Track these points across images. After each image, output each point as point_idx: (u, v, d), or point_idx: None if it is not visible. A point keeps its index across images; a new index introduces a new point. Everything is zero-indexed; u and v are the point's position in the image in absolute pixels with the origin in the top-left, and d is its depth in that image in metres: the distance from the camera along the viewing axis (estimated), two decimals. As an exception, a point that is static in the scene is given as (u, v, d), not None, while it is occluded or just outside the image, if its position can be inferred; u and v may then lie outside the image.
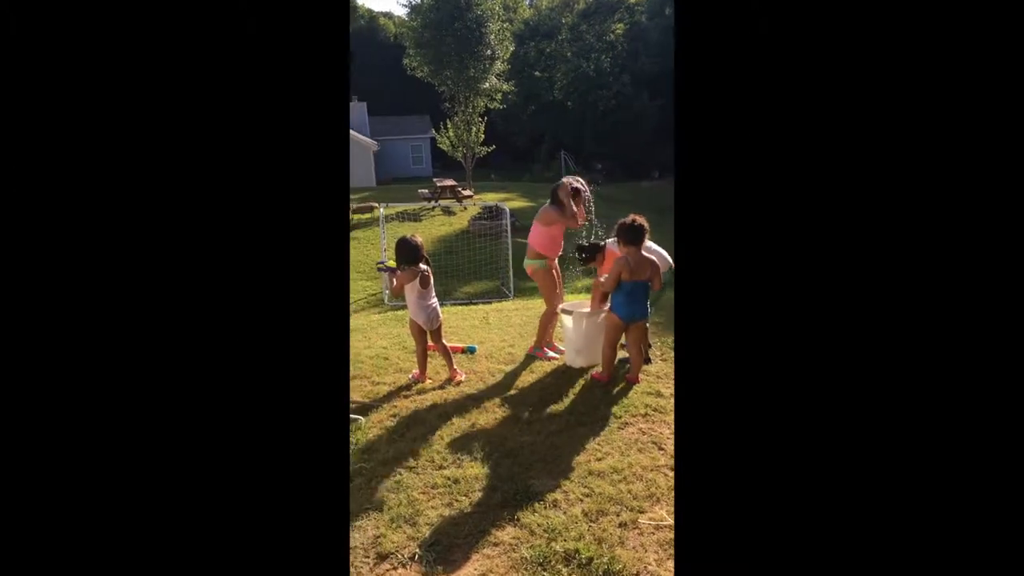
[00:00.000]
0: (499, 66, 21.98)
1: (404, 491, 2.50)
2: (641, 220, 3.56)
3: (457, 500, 2.43)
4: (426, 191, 19.29)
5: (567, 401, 3.44)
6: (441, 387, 3.74)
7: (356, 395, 3.64)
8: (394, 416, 3.32)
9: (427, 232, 15.99)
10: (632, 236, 3.55)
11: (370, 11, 38.26)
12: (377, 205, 15.11)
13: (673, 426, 2.98)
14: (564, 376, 3.87)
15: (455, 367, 3.89)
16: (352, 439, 3.04)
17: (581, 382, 3.73)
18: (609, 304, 3.75)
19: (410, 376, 3.91)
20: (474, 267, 12.89)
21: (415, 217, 17.45)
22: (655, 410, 3.25)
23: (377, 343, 4.82)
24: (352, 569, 2.04)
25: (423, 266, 3.71)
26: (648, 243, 3.72)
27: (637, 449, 2.82)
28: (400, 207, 15.98)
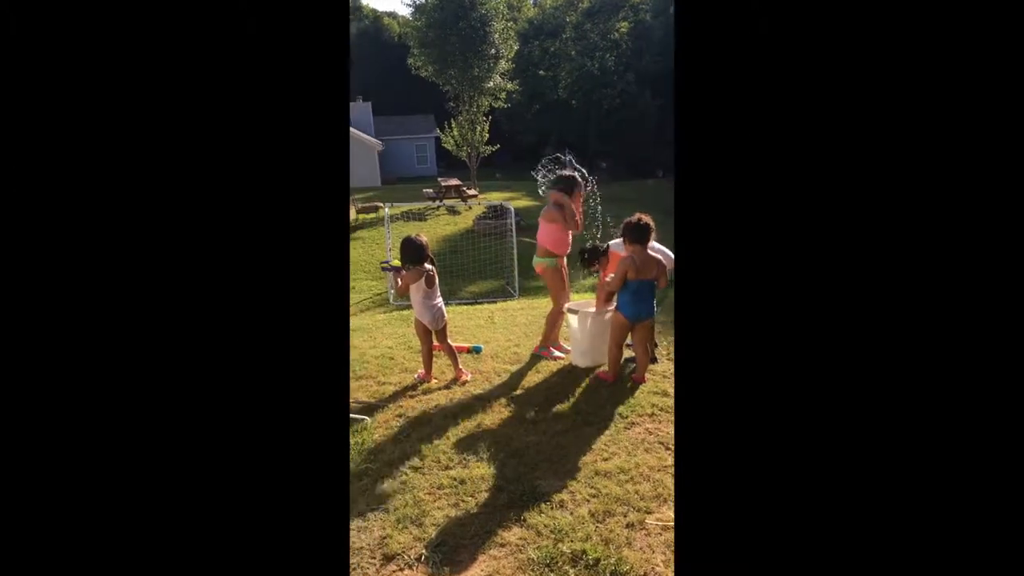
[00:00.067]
0: (503, 65, 21.99)
1: (410, 492, 2.50)
2: (647, 219, 3.55)
3: (463, 501, 2.43)
4: (431, 191, 19.32)
5: (573, 401, 3.43)
6: (447, 387, 3.73)
7: (362, 395, 3.64)
8: (400, 416, 3.32)
9: (432, 232, 16.00)
10: (638, 235, 3.54)
11: (374, 11, 38.33)
12: (382, 205, 15.14)
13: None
14: (570, 376, 3.86)
15: (460, 367, 3.88)
16: (358, 439, 3.04)
17: (587, 382, 3.72)
18: (615, 303, 3.73)
19: (416, 376, 3.91)
20: (479, 266, 12.89)
21: (420, 217, 17.48)
22: (661, 410, 3.23)
23: (382, 343, 4.82)
24: (358, 570, 2.04)
25: (428, 266, 3.71)
26: (652, 243, 3.70)
27: (644, 449, 2.81)
28: (405, 207, 16.01)
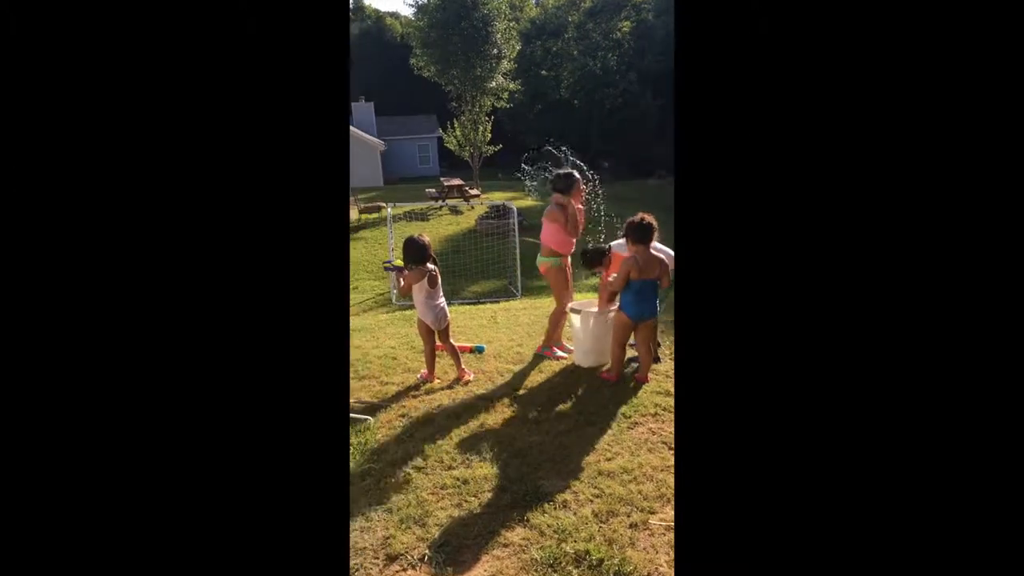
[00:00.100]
0: (506, 65, 22.00)
1: (413, 492, 2.50)
2: (650, 219, 3.55)
3: (466, 501, 2.42)
4: (433, 191, 19.33)
5: (576, 401, 3.43)
6: (449, 387, 3.73)
7: (364, 395, 3.64)
8: (403, 416, 3.32)
9: (434, 231, 16.02)
10: (641, 234, 3.53)
11: (377, 11, 38.37)
12: (384, 205, 15.15)
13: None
14: (573, 375, 3.86)
15: (463, 367, 3.88)
16: (361, 439, 3.04)
17: (590, 382, 3.72)
18: (618, 303, 3.73)
19: (418, 376, 3.91)
20: (481, 266, 12.89)
21: (422, 217, 17.49)
22: (665, 409, 3.23)
23: (385, 343, 4.82)
24: (362, 570, 2.04)
25: (431, 266, 3.71)
26: (654, 243, 3.70)
27: (647, 449, 2.81)
28: (407, 207, 16.01)
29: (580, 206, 4.12)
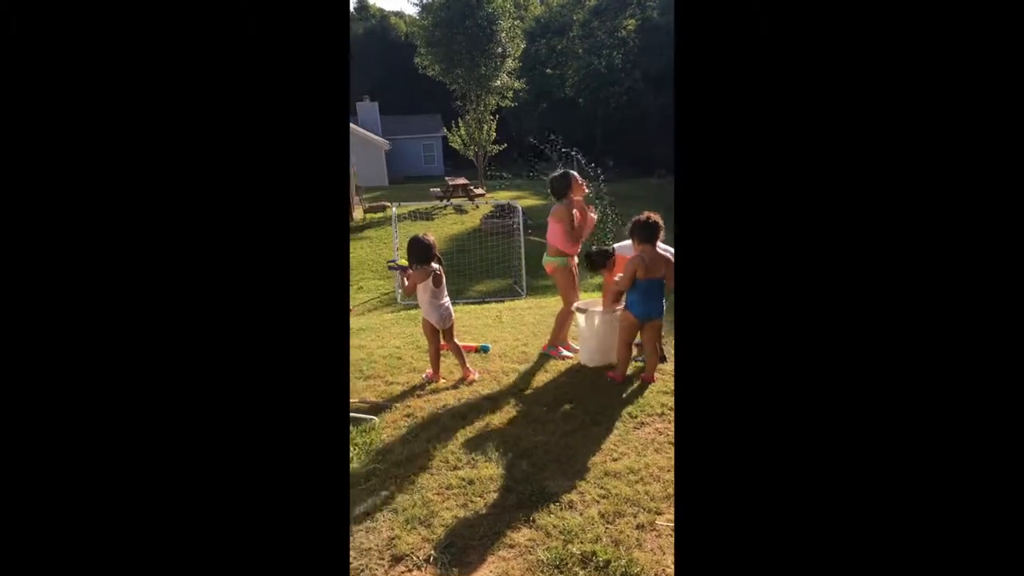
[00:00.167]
0: (510, 64, 21.98)
1: (418, 492, 2.49)
2: (656, 217, 3.53)
3: (472, 501, 2.42)
4: (438, 190, 19.33)
5: (582, 401, 3.42)
6: (455, 387, 3.73)
7: (369, 395, 3.64)
8: (408, 416, 3.31)
9: (439, 231, 16.03)
10: (647, 233, 3.52)
11: (381, 10, 38.43)
12: (389, 204, 15.16)
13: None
14: (578, 375, 3.85)
15: (468, 366, 3.88)
16: (366, 440, 3.04)
17: (596, 381, 3.70)
18: (624, 302, 3.71)
19: (423, 376, 3.90)
20: (486, 266, 12.89)
21: (427, 216, 17.49)
22: (671, 409, 3.21)
23: (390, 343, 4.82)
24: (367, 571, 2.03)
25: (435, 265, 3.70)
26: (659, 243, 3.68)
27: (654, 449, 2.79)
28: (412, 206, 16.01)
29: (579, 198, 4.08)
